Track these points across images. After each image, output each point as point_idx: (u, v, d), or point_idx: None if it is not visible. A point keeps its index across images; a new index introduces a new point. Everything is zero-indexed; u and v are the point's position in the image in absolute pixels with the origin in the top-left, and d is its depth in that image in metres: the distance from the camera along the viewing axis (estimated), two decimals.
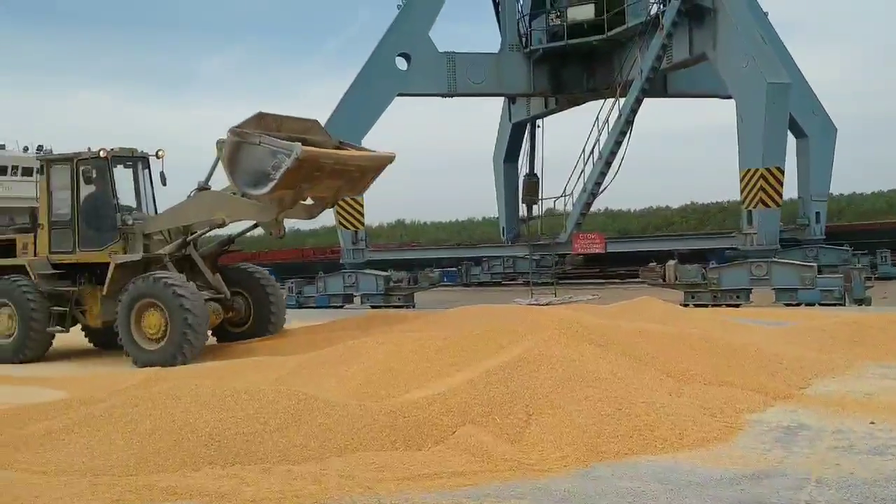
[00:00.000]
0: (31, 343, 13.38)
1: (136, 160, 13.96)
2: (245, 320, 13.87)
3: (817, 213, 24.15)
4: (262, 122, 11.93)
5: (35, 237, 13.97)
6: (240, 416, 6.62)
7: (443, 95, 24.54)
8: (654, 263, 19.65)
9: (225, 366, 10.12)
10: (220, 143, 12.70)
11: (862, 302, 17.52)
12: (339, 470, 5.85)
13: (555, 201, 22.20)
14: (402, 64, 23.88)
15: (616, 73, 23.90)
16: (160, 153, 13.87)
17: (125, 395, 7.65)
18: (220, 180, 12.98)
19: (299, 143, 11.26)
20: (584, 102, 26.63)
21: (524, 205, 31.28)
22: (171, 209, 13.37)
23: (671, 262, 19.19)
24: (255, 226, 13.56)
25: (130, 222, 13.37)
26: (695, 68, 23.24)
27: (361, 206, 22.87)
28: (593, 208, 24.87)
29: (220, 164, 12.78)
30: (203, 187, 13.09)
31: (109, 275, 12.89)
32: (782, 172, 18.28)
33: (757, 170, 18.07)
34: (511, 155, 30.52)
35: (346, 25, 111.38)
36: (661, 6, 20.48)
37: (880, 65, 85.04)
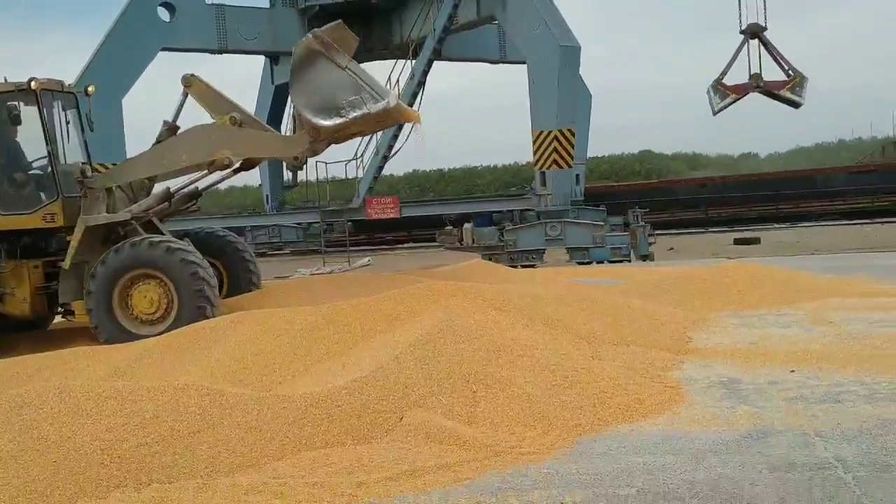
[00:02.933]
0: None
1: (63, 97, 10.76)
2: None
3: (577, 176, 25.38)
4: (341, 35, 9.60)
5: None
6: (135, 423, 5.33)
7: (212, 52, 22.68)
8: (451, 227, 19.57)
9: (47, 358, 8.31)
10: (186, 79, 10.42)
11: (646, 257, 18.64)
12: (298, 477, 4.84)
13: (346, 165, 21.35)
14: (164, 14, 21.69)
15: (395, 34, 23.42)
16: (90, 89, 10.90)
17: None
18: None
19: (394, 93, 9.12)
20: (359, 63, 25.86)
21: (289, 171, 30.07)
22: (148, 153, 10.51)
23: (468, 225, 19.21)
24: (237, 172, 10.82)
25: (90, 174, 10.38)
26: (464, 33, 23.36)
27: None
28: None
29: (185, 104, 10.61)
30: (173, 126, 10.50)
31: (76, 242, 9.91)
32: (573, 134, 18.86)
33: (550, 131, 18.51)
34: (274, 119, 29.05)
35: None
36: None
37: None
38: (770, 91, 20.02)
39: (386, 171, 24.95)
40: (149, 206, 10.62)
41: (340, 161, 21.23)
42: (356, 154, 21.45)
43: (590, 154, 39.73)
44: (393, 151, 20.82)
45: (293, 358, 7.31)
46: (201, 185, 11.10)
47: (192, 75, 10.73)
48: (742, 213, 30.03)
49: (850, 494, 4.13)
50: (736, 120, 53.02)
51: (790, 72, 19.91)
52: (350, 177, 21.65)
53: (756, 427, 5.34)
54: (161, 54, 21.55)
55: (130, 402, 5.53)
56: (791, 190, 31.37)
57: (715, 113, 20.02)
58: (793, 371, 6.79)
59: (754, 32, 19.92)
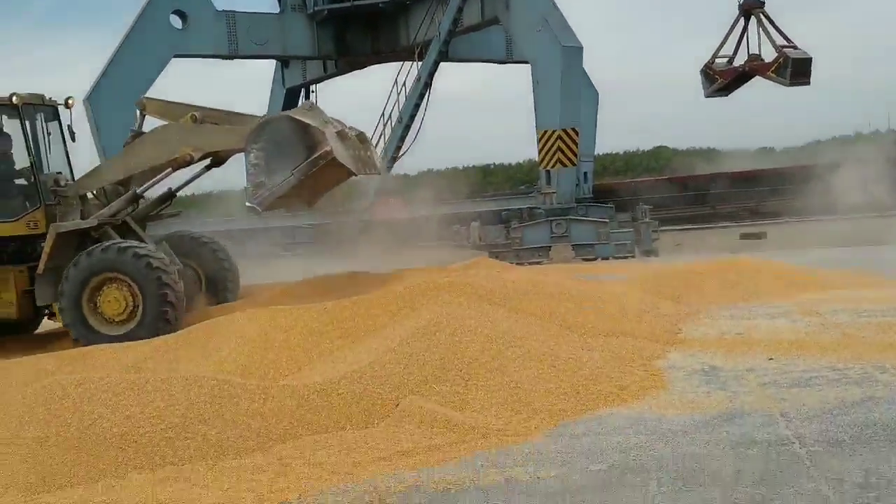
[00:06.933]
0: None
1: (44, 109, 11.44)
2: (193, 296, 11.54)
3: (585, 174, 25.65)
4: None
5: None
6: (150, 412, 5.76)
7: (223, 57, 23.16)
8: (458, 226, 19.95)
9: (68, 356, 8.79)
10: (140, 103, 11.11)
11: (650, 253, 18.96)
12: (299, 458, 5.27)
13: None
14: (176, 22, 22.18)
15: (402, 36, 23.82)
16: (70, 101, 11.45)
17: None
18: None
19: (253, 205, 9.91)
20: (366, 66, 26.29)
21: None
22: (114, 158, 11.02)
23: (475, 224, 19.58)
24: (209, 168, 11.32)
25: (63, 183, 11.02)
26: (473, 35, 23.72)
27: None
28: None
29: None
30: (138, 133, 11.04)
31: (48, 248, 10.48)
32: (577, 133, 19.20)
33: (554, 131, 18.84)
34: None
35: None
36: None
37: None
38: (757, 73, 19.51)
39: (399, 171, 25.38)
40: (117, 210, 11.11)
41: None
42: None
43: (605, 150, 39.72)
44: (401, 152, 21.26)
45: (298, 352, 7.73)
46: (176, 186, 11.66)
47: (145, 98, 11.50)
48: (750, 208, 30.17)
49: (801, 466, 4.51)
50: (755, 113, 52.92)
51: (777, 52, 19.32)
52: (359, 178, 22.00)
53: (727, 410, 5.71)
54: (175, 61, 22.07)
55: (145, 392, 5.96)
56: (799, 184, 31.47)
57: (707, 96, 19.83)
58: (771, 359, 7.14)
59: (748, 9, 19.40)
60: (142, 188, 11.23)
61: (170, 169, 10.96)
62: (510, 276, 11.84)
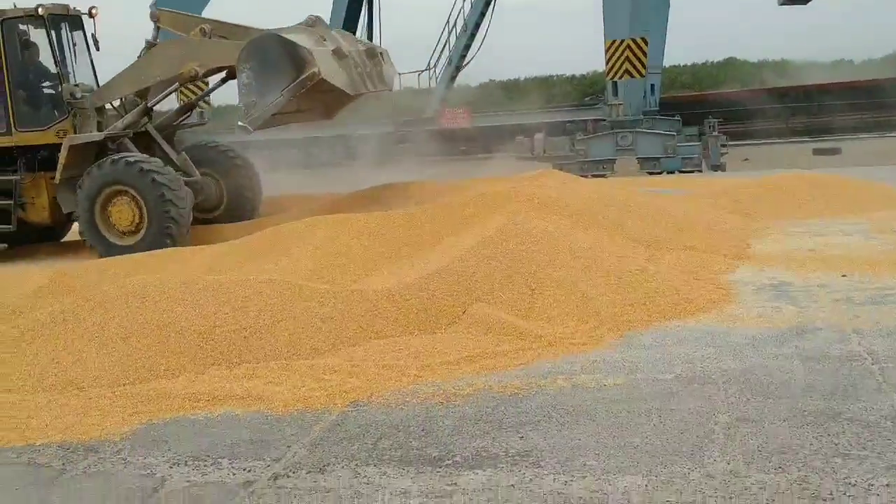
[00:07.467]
0: None
1: (69, 19, 11.69)
2: (215, 206, 12.09)
3: (652, 85, 24.95)
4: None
5: None
6: (225, 312, 5.94)
7: None
8: (522, 137, 19.74)
9: (142, 259, 9.08)
10: (154, 14, 11.22)
11: (718, 168, 18.56)
12: (369, 360, 5.41)
13: (419, 75, 21.57)
14: None
15: None
16: (94, 11, 11.63)
17: (67, 300, 6.69)
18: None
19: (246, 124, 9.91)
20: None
21: None
22: (125, 72, 11.18)
23: (539, 135, 19.35)
24: (225, 80, 11.41)
25: (79, 95, 11.30)
26: None
27: None
28: None
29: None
30: (152, 45, 11.24)
31: (63, 159, 10.86)
32: (647, 43, 18.64)
33: (623, 40, 18.33)
34: (349, 27, 29.21)
35: None
36: None
37: None
38: None
39: (462, 81, 25.05)
40: (128, 124, 11.34)
41: (413, 72, 21.44)
42: (429, 64, 21.65)
43: (672, 62, 38.33)
44: (465, 61, 20.95)
45: (365, 258, 7.83)
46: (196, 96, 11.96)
47: (158, 9, 11.53)
48: (823, 123, 29.13)
49: (872, 381, 4.47)
50: (832, 24, 50.37)
51: None
52: (423, 87, 21.89)
53: (797, 325, 5.65)
54: None
55: (221, 293, 6.14)
56: (878, 98, 30.16)
57: (781, 4, 18.96)
58: (844, 275, 7.00)
59: None
60: (152, 102, 11.43)
61: (177, 84, 11.13)
62: (577, 187, 11.76)
